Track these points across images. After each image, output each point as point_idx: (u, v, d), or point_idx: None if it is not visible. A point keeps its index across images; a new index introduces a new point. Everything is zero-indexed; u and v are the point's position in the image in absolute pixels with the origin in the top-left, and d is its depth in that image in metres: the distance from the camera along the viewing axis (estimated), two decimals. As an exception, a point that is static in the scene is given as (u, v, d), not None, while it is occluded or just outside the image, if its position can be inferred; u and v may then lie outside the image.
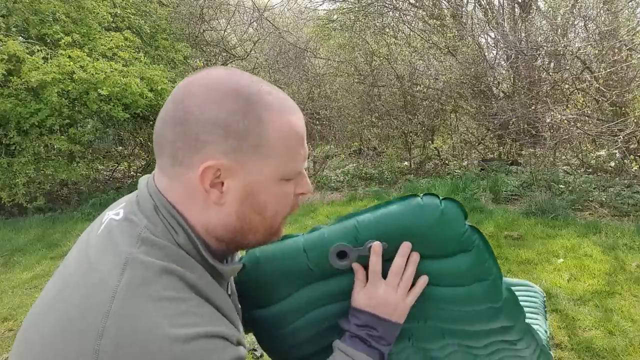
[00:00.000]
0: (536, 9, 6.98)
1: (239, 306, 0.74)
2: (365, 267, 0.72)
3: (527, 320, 0.81)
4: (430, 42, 7.29)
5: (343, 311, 0.74)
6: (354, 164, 7.57)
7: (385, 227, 0.72)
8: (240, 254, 0.77)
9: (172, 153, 0.54)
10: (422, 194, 0.74)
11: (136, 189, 0.63)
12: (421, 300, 0.74)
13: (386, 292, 0.71)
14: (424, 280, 0.73)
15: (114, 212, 0.59)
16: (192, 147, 0.53)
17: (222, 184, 0.55)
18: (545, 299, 1.14)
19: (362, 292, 0.72)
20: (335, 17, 9.27)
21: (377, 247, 0.71)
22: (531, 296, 1.12)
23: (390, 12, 8.40)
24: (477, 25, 7.31)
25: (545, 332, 1.01)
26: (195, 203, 0.56)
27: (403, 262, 0.71)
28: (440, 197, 0.73)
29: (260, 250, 0.76)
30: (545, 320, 1.06)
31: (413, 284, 0.73)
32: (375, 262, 0.71)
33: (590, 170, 5.60)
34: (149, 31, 6.71)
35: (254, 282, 0.75)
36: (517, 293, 1.09)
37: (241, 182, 0.56)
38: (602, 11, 5.64)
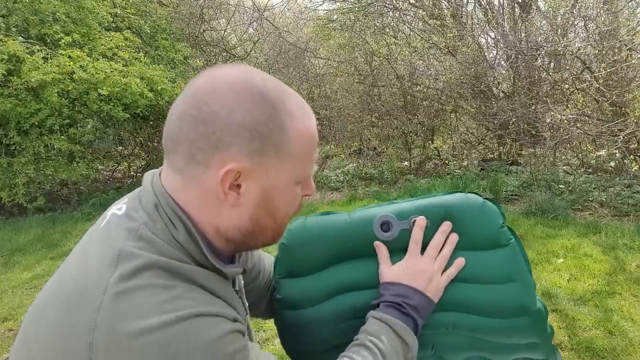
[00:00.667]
0: (536, 9, 6.98)
1: (247, 303, 0.73)
2: (392, 247, 0.74)
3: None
4: (430, 42, 7.29)
5: (369, 301, 0.74)
6: (354, 164, 7.57)
7: (429, 207, 0.74)
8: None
9: (189, 152, 0.53)
10: (467, 191, 0.78)
11: (136, 188, 0.63)
12: (452, 302, 0.73)
13: (423, 263, 0.72)
14: (460, 261, 0.73)
15: (117, 207, 0.59)
16: (214, 148, 0.53)
17: (239, 185, 0.55)
18: (546, 311, 1.14)
19: (395, 265, 0.73)
20: (335, 17, 9.27)
21: (421, 221, 0.73)
22: None
23: (390, 12, 8.40)
24: (477, 25, 7.31)
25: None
26: (209, 203, 0.56)
27: (443, 239, 0.73)
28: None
29: (308, 218, 0.79)
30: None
31: (449, 266, 0.73)
32: (417, 233, 0.73)
33: (590, 170, 5.60)
34: (149, 31, 6.71)
35: (296, 246, 0.76)
36: None
37: (259, 185, 0.56)
38: (602, 11, 5.63)
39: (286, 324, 0.79)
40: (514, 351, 0.76)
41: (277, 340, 2.50)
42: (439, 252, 0.73)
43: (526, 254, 0.75)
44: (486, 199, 0.76)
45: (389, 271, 0.73)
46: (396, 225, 0.73)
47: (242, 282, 0.75)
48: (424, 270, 0.71)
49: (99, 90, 5.05)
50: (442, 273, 0.73)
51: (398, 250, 0.74)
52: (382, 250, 0.74)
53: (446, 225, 0.73)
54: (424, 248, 0.74)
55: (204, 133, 0.52)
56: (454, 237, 0.73)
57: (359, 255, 0.76)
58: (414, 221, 0.73)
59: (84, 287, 0.50)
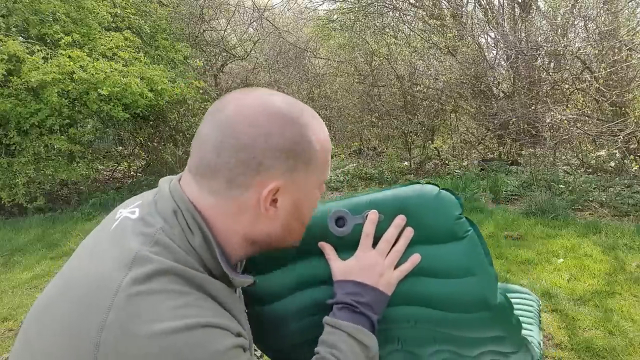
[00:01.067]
0: (536, 9, 6.98)
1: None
2: (347, 243, 0.74)
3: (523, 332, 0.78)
4: (430, 42, 7.29)
5: (329, 296, 0.74)
6: (354, 164, 7.58)
7: (383, 201, 0.73)
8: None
9: (230, 177, 0.57)
10: (424, 183, 0.76)
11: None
12: (412, 296, 0.72)
13: (374, 257, 0.71)
14: (415, 257, 0.72)
15: (129, 211, 0.60)
16: (254, 171, 0.57)
17: (275, 200, 0.60)
18: (540, 307, 1.12)
19: (347, 261, 0.73)
20: (335, 17, 9.27)
21: (373, 214, 0.72)
22: (527, 304, 1.09)
23: (390, 12, 8.40)
24: (477, 25, 7.31)
25: (539, 343, 0.99)
26: (245, 217, 0.60)
27: (396, 233, 0.72)
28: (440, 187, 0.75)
29: None
30: (540, 330, 1.04)
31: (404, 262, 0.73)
32: (369, 227, 0.72)
33: (590, 170, 5.60)
34: (149, 31, 6.71)
35: None
36: (512, 301, 1.08)
37: (291, 197, 0.61)
38: (602, 11, 5.63)
39: (252, 320, 0.79)
40: (481, 344, 0.74)
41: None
42: (393, 246, 0.72)
43: (486, 245, 0.72)
44: (444, 189, 0.74)
45: (340, 268, 0.73)
46: (350, 220, 0.73)
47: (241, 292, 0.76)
48: (375, 264, 0.71)
49: (99, 90, 5.05)
50: (396, 268, 0.72)
51: (353, 245, 0.73)
52: (327, 249, 0.75)
53: (400, 219, 0.72)
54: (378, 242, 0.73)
55: (245, 159, 0.56)
56: (409, 231, 0.72)
57: (317, 251, 0.75)
58: (367, 215, 0.72)
59: (94, 287, 0.50)
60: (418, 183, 0.76)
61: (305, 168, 0.60)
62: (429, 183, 0.75)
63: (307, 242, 0.74)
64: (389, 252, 0.72)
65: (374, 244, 0.73)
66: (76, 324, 0.48)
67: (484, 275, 0.71)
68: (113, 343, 0.46)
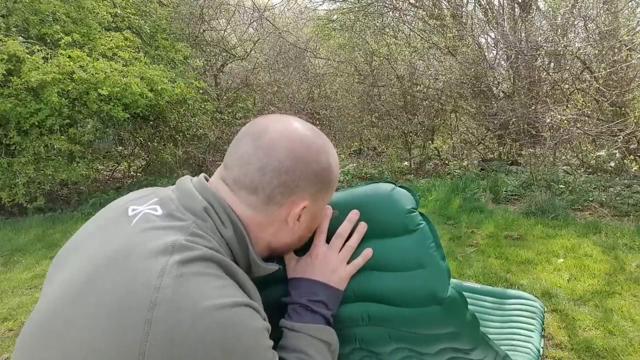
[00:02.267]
0: (536, 9, 6.98)
1: None
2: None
3: (482, 331, 0.76)
4: (430, 42, 7.29)
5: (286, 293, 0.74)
6: (354, 164, 7.57)
7: (338, 199, 0.77)
8: None
9: (270, 195, 0.65)
10: (381, 181, 0.79)
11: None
12: (364, 291, 0.73)
13: (327, 253, 0.74)
14: (368, 252, 0.74)
15: (149, 207, 0.63)
16: (291, 192, 0.65)
17: (301, 216, 0.68)
18: (544, 313, 1.10)
19: (301, 259, 0.75)
20: (335, 17, 9.27)
21: (327, 210, 0.75)
22: (530, 310, 1.08)
23: (390, 12, 8.39)
24: (477, 25, 7.31)
25: (538, 350, 0.97)
26: (273, 228, 0.68)
27: (349, 227, 0.75)
28: (397, 184, 0.78)
29: None
30: (541, 337, 1.02)
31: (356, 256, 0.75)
32: (322, 224, 0.76)
33: (590, 170, 5.60)
34: (149, 31, 6.71)
35: None
36: (515, 307, 1.05)
37: (311, 213, 0.70)
38: (602, 11, 5.63)
39: None
40: (436, 341, 0.74)
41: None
42: (346, 241, 0.74)
43: (438, 239, 0.74)
44: (400, 186, 0.76)
45: (294, 265, 0.75)
46: None
47: None
48: (328, 260, 0.73)
49: (99, 90, 5.05)
50: (350, 262, 0.74)
51: (308, 242, 0.75)
52: (316, 237, 0.76)
53: (353, 214, 0.75)
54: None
55: (285, 181, 0.65)
56: (362, 227, 0.75)
57: None
58: None
59: (137, 272, 0.53)
60: (376, 182, 0.79)
61: (327, 189, 0.70)
62: (386, 182, 0.79)
63: None
64: (342, 247, 0.74)
65: (329, 240, 0.75)
66: (123, 305, 0.51)
67: (434, 268, 0.71)
68: (165, 319, 0.49)
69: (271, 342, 0.59)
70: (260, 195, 0.64)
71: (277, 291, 0.75)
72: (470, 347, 0.75)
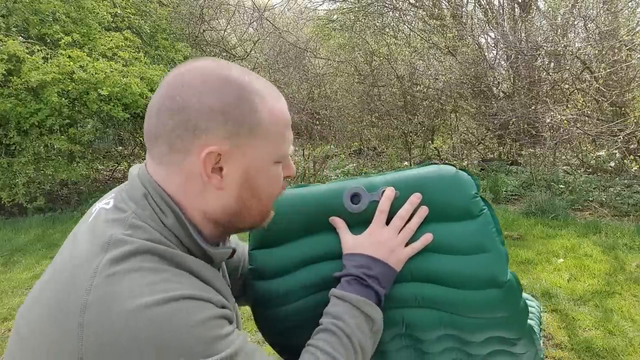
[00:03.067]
0: (536, 9, 6.98)
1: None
2: (361, 219, 0.74)
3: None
4: (430, 42, 7.29)
5: (336, 271, 0.74)
6: (354, 164, 7.57)
7: (400, 180, 0.74)
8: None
9: (170, 141, 0.56)
10: (441, 163, 0.76)
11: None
12: (421, 272, 0.72)
13: (387, 233, 0.71)
14: (427, 237, 0.72)
15: (104, 202, 0.61)
16: (192, 134, 0.56)
17: (222, 169, 0.58)
18: (541, 313, 1.11)
19: (359, 236, 0.73)
20: (335, 17, 9.27)
21: (389, 191, 0.72)
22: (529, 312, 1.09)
23: (390, 12, 8.40)
24: (477, 25, 7.31)
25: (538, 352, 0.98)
26: (194, 189, 0.58)
27: (410, 209, 0.72)
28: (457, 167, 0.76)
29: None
30: (539, 338, 1.03)
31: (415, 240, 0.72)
32: (385, 203, 0.72)
33: (590, 170, 5.60)
34: (149, 31, 6.72)
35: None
36: None
37: (240, 167, 0.59)
38: (602, 11, 5.64)
39: (257, 295, 0.78)
40: (487, 328, 0.74)
41: (277, 340, 2.51)
42: (406, 224, 0.72)
43: (499, 224, 0.74)
44: (460, 169, 0.75)
45: (350, 241, 0.73)
46: (365, 197, 0.73)
47: (226, 271, 0.76)
48: (387, 239, 0.71)
49: (99, 90, 5.05)
50: (408, 245, 0.72)
51: (366, 222, 0.73)
52: (337, 222, 0.75)
53: (415, 197, 0.72)
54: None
55: (181, 121, 0.55)
56: (424, 210, 0.72)
57: (326, 227, 0.76)
58: (383, 192, 0.73)
59: (73, 272, 0.51)
60: (435, 164, 0.76)
61: (250, 136, 0.58)
62: (447, 164, 0.76)
63: (316, 218, 0.75)
64: (401, 228, 0.72)
65: (389, 221, 0.73)
66: (59, 308, 0.49)
67: (496, 252, 0.71)
68: (96, 322, 0.47)
69: (229, 330, 0.54)
70: (161, 145, 0.57)
71: (330, 268, 0.74)
72: (517, 336, 0.76)
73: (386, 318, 0.72)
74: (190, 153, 0.56)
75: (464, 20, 7.47)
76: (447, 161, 6.90)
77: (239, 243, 0.89)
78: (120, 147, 7.96)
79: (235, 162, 0.58)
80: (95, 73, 5.00)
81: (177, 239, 0.57)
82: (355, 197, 0.73)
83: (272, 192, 0.64)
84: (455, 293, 0.72)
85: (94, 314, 0.48)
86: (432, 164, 0.77)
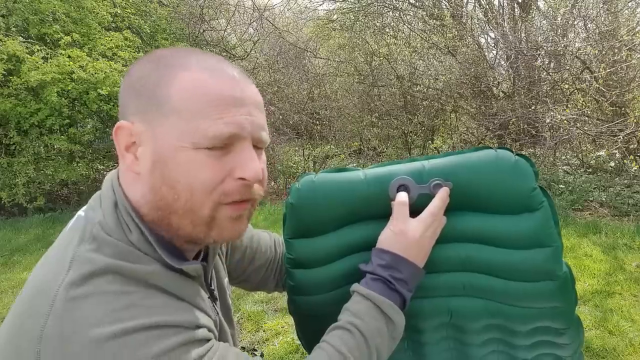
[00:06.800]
0: (536, 9, 6.97)
1: (229, 301, 0.72)
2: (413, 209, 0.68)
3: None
4: (430, 42, 7.29)
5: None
6: (354, 164, 7.57)
7: (454, 169, 0.68)
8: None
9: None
10: (496, 147, 0.70)
11: None
12: (472, 264, 0.69)
13: (419, 231, 0.66)
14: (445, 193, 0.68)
15: (83, 209, 0.57)
16: (122, 115, 0.53)
17: (138, 150, 0.53)
18: None
19: (390, 228, 0.67)
20: (335, 17, 9.26)
21: (444, 192, 0.67)
22: None
23: (390, 12, 8.39)
24: (477, 25, 7.31)
25: None
26: (126, 177, 0.54)
27: (442, 207, 0.67)
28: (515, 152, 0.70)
29: (318, 176, 0.72)
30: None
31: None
32: (437, 206, 0.66)
33: (590, 170, 5.60)
34: (149, 31, 6.71)
35: (304, 206, 0.71)
36: None
37: (150, 147, 0.51)
38: (602, 11, 5.63)
39: (296, 283, 0.76)
40: (536, 318, 0.71)
41: (277, 340, 2.50)
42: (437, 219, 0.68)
43: (557, 215, 0.69)
44: (518, 155, 0.68)
45: (386, 235, 0.68)
46: (414, 189, 0.67)
47: (226, 278, 0.73)
48: (422, 242, 0.66)
49: (98, 90, 5.05)
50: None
51: (413, 215, 0.69)
52: (397, 207, 0.68)
53: (445, 193, 0.67)
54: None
55: (120, 104, 0.54)
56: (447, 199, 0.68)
57: (374, 216, 0.71)
58: (435, 185, 0.67)
59: (36, 293, 0.48)
60: (489, 148, 0.70)
61: (159, 111, 0.50)
62: (502, 148, 0.70)
63: (358, 208, 0.70)
64: (432, 225, 0.68)
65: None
66: (19, 332, 0.47)
67: (553, 247, 0.68)
68: (52, 352, 0.44)
69: (199, 352, 0.50)
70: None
71: (358, 259, 0.71)
72: (565, 327, 0.73)
73: (431, 306, 0.70)
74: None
75: (464, 20, 7.47)
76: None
77: (255, 236, 0.85)
78: (120, 147, 7.96)
79: (148, 142, 0.51)
80: (95, 73, 5.00)
81: (141, 253, 0.52)
82: (402, 188, 0.68)
83: (195, 186, 0.51)
84: (507, 284, 0.69)
85: (50, 343, 0.44)
86: (486, 147, 0.70)
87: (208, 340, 0.52)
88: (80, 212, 0.57)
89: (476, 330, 0.74)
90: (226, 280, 0.74)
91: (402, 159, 0.73)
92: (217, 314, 0.62)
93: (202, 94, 0.50)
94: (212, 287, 0.66)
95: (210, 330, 0.54)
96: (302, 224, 0.72)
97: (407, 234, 0.65)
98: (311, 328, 0.79)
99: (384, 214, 0.70)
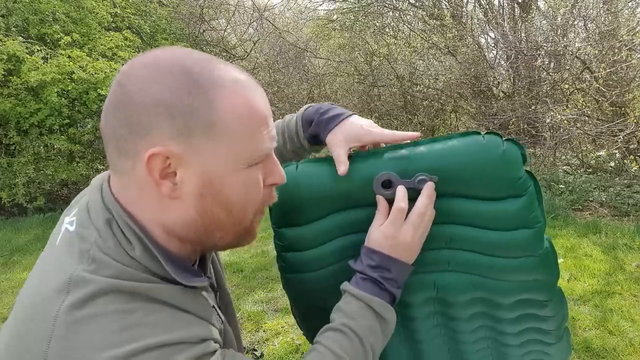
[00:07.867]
0: (536, 9, 6.98)
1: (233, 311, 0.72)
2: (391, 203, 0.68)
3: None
4: (430, 42, 7.29)
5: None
6: (354, 164, 7.56)
7: (439, 161, 0.67)
8: None
9: (116, 142, 0.49)
10: (484, 132, 0.69)
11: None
12: (457, 242, 0.71)
13: (409, 233, 0.66)
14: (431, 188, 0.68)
15: (69, 221, 0.54)
16: (135, 133, 0.47)
17: (175, 174, 0.49)
18: None
19: (381, 229, 0.66)
20: (335, 17, 9.26)
21: (430, 189, 0.66)
22: None
23: (390, 12, 8.39)
24: (477, 25, 7.31)
25: None
26: (149, 199, 0.50)
27: (430, 205, 0.67)
28: (503, 137, 0.69)
29: (301, 168, 0.72)
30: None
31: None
32: (424, 204, 0.66)
33: (590, 170, 5.60)
34: (149, 31, 6.72)
35: (288, 198, 0.70)
36: None
37: (196, 171, 0.49)
38: (602, 11, 5.63)
39: (288, 264, 0.77)
40: (517, 290, 0.73)
41: (277, 340, 2.51)
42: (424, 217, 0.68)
43: (542, 195, 0.70)
44: (507, 139, 0.68)
45: (375, 234, 0.67)
46: (398, 183, 0.67)
47: (218, 260, 0.73)
48: (409, 241, 0.66)
49: (98, 90, 5.05)
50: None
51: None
52: (382, 204, 0.68)
53: (431, 190, 0.66)
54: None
55: (123, 118, 0.47)
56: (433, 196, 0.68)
57: (359, 205, 0.71)
58: (420, 180, 0.66)
59: (33, 314, 0.47)
60: (476, 133, 0.69)
61: (205, 133, 0.48)
62: (490, 132, 0.69)
63: (346, 197, 0.70)
64: (420, 225, 0.68)
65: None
66: (18, 354, 0.45)
67: (537, 228, 0.70)
68: None
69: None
70: (110, 147, 0.49)
71: (362, 239, 0.70)
72: (547, 298, 0.75)
73: (418, 281, 0.71)
74: (137, 156, 0.48)
75: (464, 20, 7.46)
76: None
77: None
78: (120, 147, 7.97)
79: (190, 167, 0.49)
80: (95, 73, 5.00)
81: (146, 269, 0.50)
82: (386, 183, 0.68)
83: (248, 203, 0.53)
84: (490, 260, 0.71)
85: None
86: (475, 132, 0.69)
87: (214, 352, 0.52)
88: (67, 225, 0.53)
89: (462, 304, 0.76)
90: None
91: (388, 145, 0.72)
92: (222, 322, 0.62)
93: (249, 116, 0.50)
94: (213, 304, 0.65)
95: (216, 341, 0.53)
96: (287, 213, 0.73)
97: (398, 238, 0.66)
98: (304, 303, 0.82)
99: (369, 203, 0.69)
